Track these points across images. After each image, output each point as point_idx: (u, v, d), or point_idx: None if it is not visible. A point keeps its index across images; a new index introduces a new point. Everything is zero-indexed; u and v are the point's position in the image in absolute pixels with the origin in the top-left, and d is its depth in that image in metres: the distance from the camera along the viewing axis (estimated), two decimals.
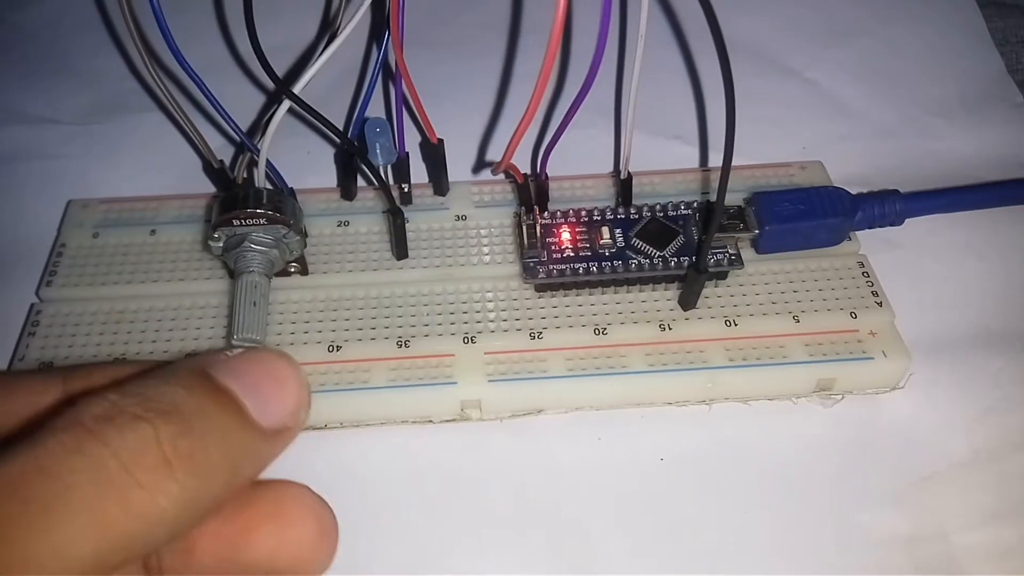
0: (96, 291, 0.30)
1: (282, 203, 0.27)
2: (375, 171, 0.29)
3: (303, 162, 0.35)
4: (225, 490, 0.14)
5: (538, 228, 0.29)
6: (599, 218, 0.30)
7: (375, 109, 0.36)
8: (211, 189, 0.33)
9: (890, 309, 0.29)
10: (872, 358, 0.28)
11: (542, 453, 0.27)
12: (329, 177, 0.34)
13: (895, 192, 0.31)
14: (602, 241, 0.29)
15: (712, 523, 0.26)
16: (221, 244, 0.27)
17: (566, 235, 0.29)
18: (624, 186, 0.30)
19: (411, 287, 0.30)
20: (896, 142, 0.37)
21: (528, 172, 0.30)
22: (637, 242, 0.29)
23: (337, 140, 0.31)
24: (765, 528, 0.26)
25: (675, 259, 0.29)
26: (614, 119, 0.37)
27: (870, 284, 0.29)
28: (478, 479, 0.27)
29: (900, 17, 0.41)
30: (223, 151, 0.36)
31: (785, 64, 0.40)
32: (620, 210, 0.30)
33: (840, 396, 0.28)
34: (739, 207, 0.30)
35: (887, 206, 0.31)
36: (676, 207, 0.30)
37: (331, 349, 0.28)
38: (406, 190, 0.32)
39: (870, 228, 0.31)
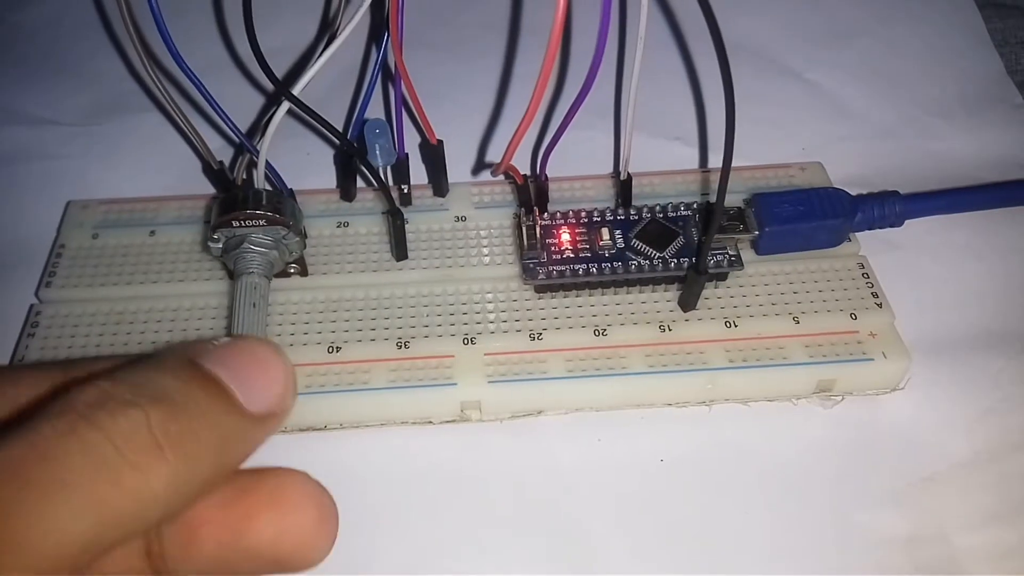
0: (95, 292, 0.30)
1: (281, 204, 0.27)
2: (375, 172, 0.29)
3: (302, 163, 0.35)
4: (214, 473, 0.14)
5: (538, 229, 0.29)
6: (599, 219, 0.30)
7: (374, 110, 0.36)
8: (211, 190, 0.33)
9: (890, 310, 0.29)
10: (872, 359, 0.28)
11: (542, 454, 0.27)
12: (329, 178, 0.34)
13: (895, 193, 0.32)
14: (602, 242, 0.29)
15: (712, 524, 0.26)
16: (220, 245, 0.27)
17: (566, 236, 0.29)
18: (624, 187, 0.30)
19: (411, 288, 0.30)
20: (896, 143, 0.37)
21: (528, 173, 0.30)
22: (637, 243, 0.29)
23: (336, 141, 0.31)
24: (765, 529, 0.26)
25: (675, 260, 0.29)
26: (614, 120, 0.37)
27: (870, 285, 0.29)
28: (478, 480, 0.27)
29: (900, 18, 0.41)
30: (222, 152, 0.36)
31: (785, 65, 0.40)
32: (620, 211, 0.30)
33: (840, 397, 0.28)
34: (739, 208, 0.30)
35: (887, 207, 0.31)
36: (676, 208, 0.30)
37: (331, 350, 0.28)
38: (406, 191, 0.32)
39: (870, 229, 0.31)
